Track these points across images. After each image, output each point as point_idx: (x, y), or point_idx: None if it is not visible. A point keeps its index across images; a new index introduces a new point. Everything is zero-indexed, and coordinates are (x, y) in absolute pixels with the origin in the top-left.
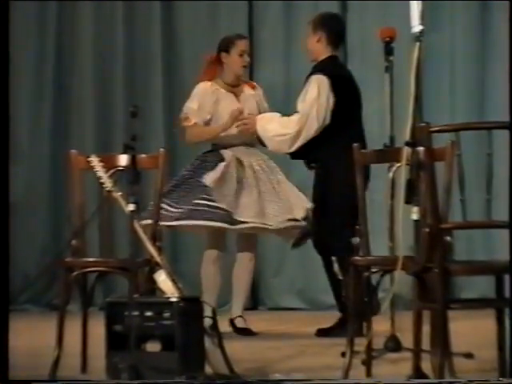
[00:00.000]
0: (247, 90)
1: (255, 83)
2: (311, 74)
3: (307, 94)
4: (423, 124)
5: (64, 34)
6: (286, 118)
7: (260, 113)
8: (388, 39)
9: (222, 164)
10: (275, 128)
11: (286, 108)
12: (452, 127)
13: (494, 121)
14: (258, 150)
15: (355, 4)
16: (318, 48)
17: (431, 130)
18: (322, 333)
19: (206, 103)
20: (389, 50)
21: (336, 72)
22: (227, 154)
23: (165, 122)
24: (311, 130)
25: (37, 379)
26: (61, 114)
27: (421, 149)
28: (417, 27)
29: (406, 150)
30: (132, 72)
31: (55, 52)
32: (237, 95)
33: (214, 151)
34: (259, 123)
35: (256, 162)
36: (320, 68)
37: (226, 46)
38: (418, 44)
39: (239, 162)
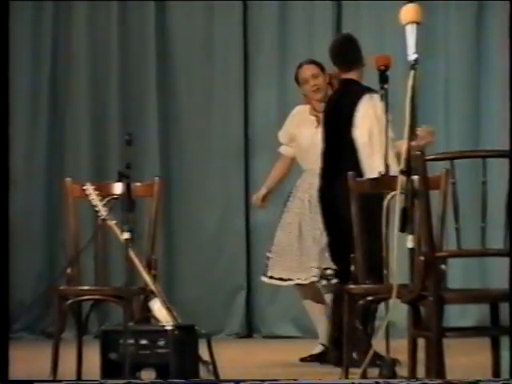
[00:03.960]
0: None
1: None
2: None
3: None
4: (418, 152)
5: (58, 65)
6: None
7: None
8: (383, 67)
9: None
10: None
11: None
12: (446, 156)
13: (489, 149)
14: None
15: (349, 15)
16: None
17: (426, 158)
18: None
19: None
20: (384, 78)
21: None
22: None
23: (160, 150)
24: None
25: (38, 379)
26: (56, 142)
27: (415, 177)
28: (412, 55)
29: (401, 179)
30: (127, 100)
31: (50, 78)
32: (318, 120)
33: None
34: None
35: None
36: None
37: (295, 76)
38: (412, 72)
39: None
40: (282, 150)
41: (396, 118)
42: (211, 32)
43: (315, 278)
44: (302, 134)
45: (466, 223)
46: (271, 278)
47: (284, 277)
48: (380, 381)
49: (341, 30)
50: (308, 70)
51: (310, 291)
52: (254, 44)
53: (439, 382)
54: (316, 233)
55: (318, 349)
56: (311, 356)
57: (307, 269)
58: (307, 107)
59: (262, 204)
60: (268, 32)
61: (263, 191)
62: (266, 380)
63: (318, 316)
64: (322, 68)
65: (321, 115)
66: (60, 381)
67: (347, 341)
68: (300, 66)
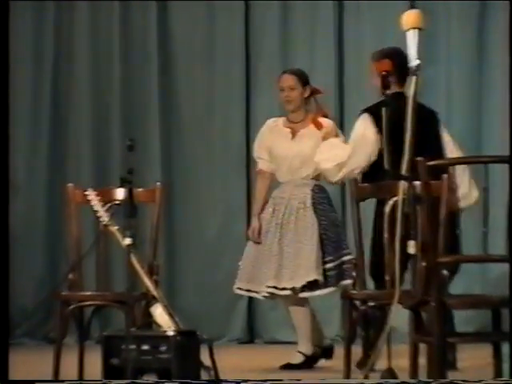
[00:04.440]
0: (310, 128)
1: (325, 123)
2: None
3: (353, 131)
4: (420, 158)
5: (60, 71)
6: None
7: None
8: (384, 73)
9: None
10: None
11: None
12: (448, 161)
13: (491, 155)
14: None
15: (351, 14)
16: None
17: (428, 164)
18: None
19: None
20: (386, 84)
21: (380, 109)
22: None
23: (162, 155)
24: (357, 164)
25: (39, 379)
26: (57, 147)
27: (417, 183)
28: (413, 61)
29: (403, 184)
30: (129, 105)
31: (51, 87)
32: (294, 132)
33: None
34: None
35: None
36: (369, 107)
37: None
38: (414, 78)
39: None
40: (263, 165)
41: None
42: (213, 31)
43: (266, 293)
44: (279, 146)
45: (467, 229)
46: (239, 288)
47: (251, 288)
48: (383, 381)
49: (343, 30)
50: (286, 81)
51: (291, 298)
52: (256, 43)
53: (443, 381)
54: (283, 246)
55: (297, 358)
56: (290, 365)
57: (263, 283)
58: (278, 120)
59: (260, 237)
60: (270, 31)
61: (256, 224)
62: (268, 380)
63: (302, 321)
64: (304, 80)
65: (295, 126)
66: (62, 381)
67: (348, 346)
68: (282, 73)
